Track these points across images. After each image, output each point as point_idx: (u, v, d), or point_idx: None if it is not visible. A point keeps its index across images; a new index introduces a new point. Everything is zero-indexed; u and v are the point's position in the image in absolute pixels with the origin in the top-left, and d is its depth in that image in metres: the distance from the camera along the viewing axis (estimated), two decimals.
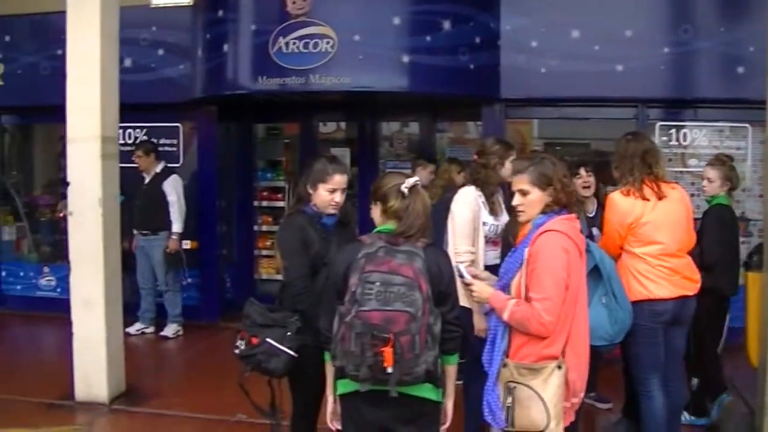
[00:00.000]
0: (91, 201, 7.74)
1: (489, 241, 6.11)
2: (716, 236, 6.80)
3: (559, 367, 4.20)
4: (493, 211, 6.14)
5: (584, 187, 7.20)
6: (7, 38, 11.88)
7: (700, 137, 10.00)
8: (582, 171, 7.21)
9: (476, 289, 4.57)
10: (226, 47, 9.99)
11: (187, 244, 10.90)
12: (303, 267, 4.90)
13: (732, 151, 9.37)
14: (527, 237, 4.41)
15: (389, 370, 3.73)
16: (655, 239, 5.68)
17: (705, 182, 7.07)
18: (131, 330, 10.46)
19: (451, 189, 6.47)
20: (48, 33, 11.23)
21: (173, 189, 10.59)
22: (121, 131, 8.94)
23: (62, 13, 8.00)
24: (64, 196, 8.61)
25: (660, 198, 5.73)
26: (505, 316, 4.29)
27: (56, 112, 8.31)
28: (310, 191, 5.05)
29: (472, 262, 5.73)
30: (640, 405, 5.88)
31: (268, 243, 12.06)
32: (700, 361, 7.06)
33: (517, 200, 4.51)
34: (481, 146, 6.43)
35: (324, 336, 4.21)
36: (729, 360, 7.43)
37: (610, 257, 5.34)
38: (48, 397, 7.99)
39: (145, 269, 10.85)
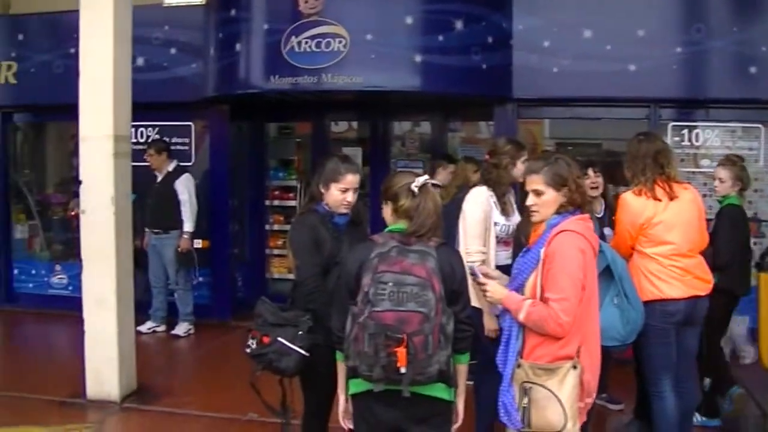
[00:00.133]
0: (103, 199, 7.76)
1: (500, 241, 6.10)
2: (729, 236, 6.81)
3: (575, 367, 4.19)
4: (505, 212, 6.13)
5: (592, 188, 7.17)
6: (21, 37, 11.90)
7: (712, 137, 9.96)
8: (590, 171, 7.18)
9: (490, 289, 4.54)
10: (238, 46, 9.99)
11: (198, 244, 10.91)
12: (315, 266, 4.91)
13: (744, 151, 9.35)
14: (542, 237, 4.40)
15: (402, 370, 3.73)
16: (667, 239, 5.66)
17: (716, 182, 7.08)
18: (142, 328, 10.48)
19: (465, 188, 6.46)
20: (61, 32, 11.27)
21: (185, 188, 10.61)
22: (133, 130, 8.98)
23: (75, 12, 8.02)
24: (77, 195, 8.63)
25: (672, 198, 5.72)
26: (521, 317, 4.28)
27: (69, 111, 8.33)
28: (322, 190, 5.05)
29: (483, 262, 5.71)
30: (651, 406, 5.86)
31: (280, 242, 12.05)
32: (712, 361, 7.05)
33: (531, 200, 4.49)
34: (492, 146, 6.42)
35: (335, 335, 4.21)
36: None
37: (622, 258, 5.33)
38: (59, 395, 8.01)
39: (157, 268, 10.87)
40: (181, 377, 9.23)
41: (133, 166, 8.42)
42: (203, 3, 10.75)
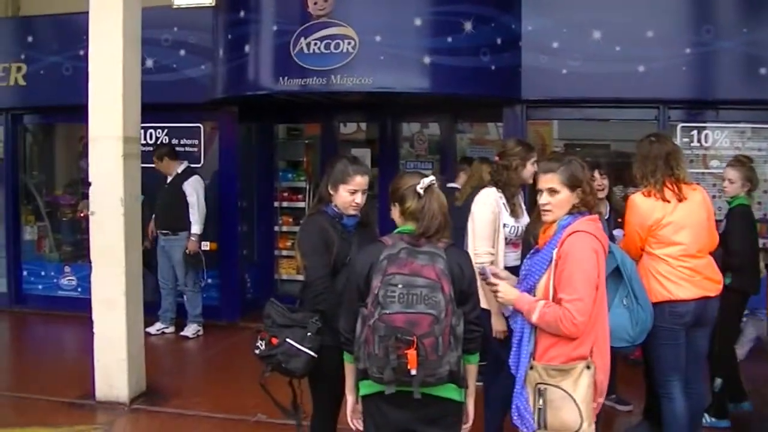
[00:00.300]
0: (112, 201, 7.77)
1: (509, 242, 6.09)
2: (743, 236, 6.84)
3: (588, 367, 4.19)
4: (514, 213, 6.12)
5: (598, 190, 7.15)
6: (30, 39, 11.92)
7: (721, 138, 9.93)
8: (596, 173, 7.16)
9: (502, 289, 4.53)
10: (247, 48, 9.99)
11: (206, 246, 10.93)
12: (324, 267, 4.90)
13: (753, 152, 9.34)
14: (553, 238, 4.39)
15: (413, 372, 3.73)
16: (676, 240, 5.66)
17: (726, 183, 7.07)
18: (151, 330, 10.50)
19: (479, 189, 6.45)
20: (70, 33, 11.29)
21: (193, 190, 10.62)
22: (142, 131, 8.98)
23: (85, 14, 8.04)
24: (86, 196, 8.67)
25: (681, 200, 5.72)
26: (534, 318, 4.27)
27: (78, 112, 8.35)
28: (331, 192, 5.05)
29: (492, 264, 5.70)
30: (661, 407, 5.85)
31: (289, 243, 12.06)
32: (724, 362, 7.05)
33: (545, 199, 4.47)
34: (502, 147, 6.42)
35: (343, 336, 4.22)
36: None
37: (632, 259, 5.32)
38: (69, 397, 8.03)
39: (166, 269, 10.88)
40: (190, 378, 9.24)
41: (143, 167, 8.45)
42: (212, 4, 10.75)
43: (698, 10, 9.70)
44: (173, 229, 10.69)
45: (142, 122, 8.38)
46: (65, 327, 11.47)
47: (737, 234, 6.82)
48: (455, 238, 4.50)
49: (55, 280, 12.60)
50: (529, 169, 6.08)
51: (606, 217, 7.22)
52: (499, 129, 11.31)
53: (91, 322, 7.91)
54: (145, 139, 10.93)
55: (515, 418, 4.35)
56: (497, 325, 5.81)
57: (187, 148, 11.63)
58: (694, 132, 9.98)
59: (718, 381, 7.04)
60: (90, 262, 7.99)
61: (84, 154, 9.11)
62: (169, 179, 10.74)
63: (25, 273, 12.77)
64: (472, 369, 4.24)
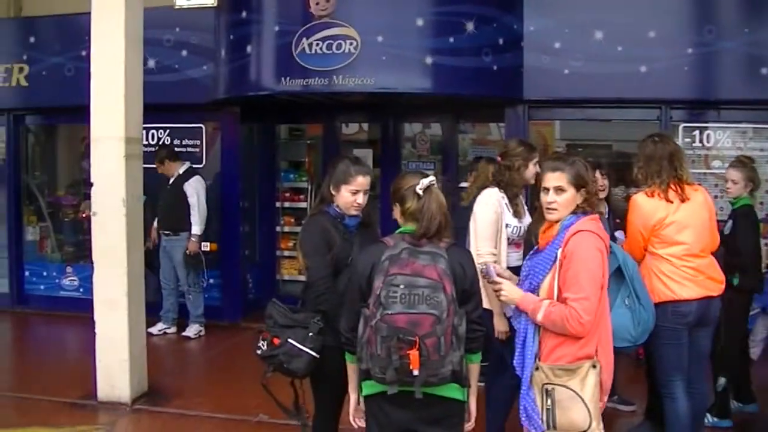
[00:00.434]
0: (114, 201, 7.78)
1: (512, 242, 6.09)
2: (751, 236, 6.88)
3: (594, 366, 4.21)
4: (517, 213, 6.12)
5: (599, 190, 7.15)
6: (32, 39, 11.93)
7: (723, 139, 9.92)
8: (597, 174, 7.15)
9: (506, 288, 4.54)
10: (249, 48, 9.99)
11: (206, 246, 10.93)
12: (325, 268, 4.90)
13: (755, 152, 9.33)
14: (557, 238, 4.39)
15: (415, 372, 3.73)
16: (679, 240, 5.67)
17: (729, 184, 7.07)
18: (153, 330, 10.51)
19: (483, 190, 6.43)
20: (72, 34, 11.29)
21: (194, 190, 10.63)
22: (144, 132, 8.99)
23: (87, 14, 8.05)
24: (88, 197, 8.66)
25: (683, 200, 5.72)
26: (540, 317, 4.27)
27: (80, 113, 8.38)
28: (333, 192, 5.05)
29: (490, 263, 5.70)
30: (663, 407, 5.85)
31: (291, 244, 12.04)
32: (731, 361, 7.06)
33: (551, 197, 4.46)
34: (504, 148, 6.43)
35: (344, 336, 4.23)
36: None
37: (634, 259, 5.32)
38: (70, 397, 8.04)
39: (168, 269, 10.89)
40: (191, 379, 9.25)
41: (145, 167, 8.45)
42: (214, 5, 10.77)
43: (700, 11, 9.69)
44: (175, 229, 10.70)
45: (144, 123, 8.38)
46: (67, 327, 11.47)
47: (745, 234, 6.85)
48: (460, 237, 4.50)
49: (57, 281, 12.61)
50: (531, 169, 6.09)
51: (606, 217, 7.23)
52: (501, 129, 11.28)
53: (93, 322, 7.92)
54: (147, 139, 10.98)
55: (523, 419, 4.36)
56: (499, 326, 5.81)
57: (189, 149, 11.65)
58: (696, 132, 9.98)
59: (722, 380, 7.04)
60: (92, 262, 7.99)
61: (86, 154, 9.12)
62: (171, 180, 10.76)
63: (27, 273, 12.78)
64: (474, 368, 4.23)
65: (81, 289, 12.17)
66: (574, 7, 9.81)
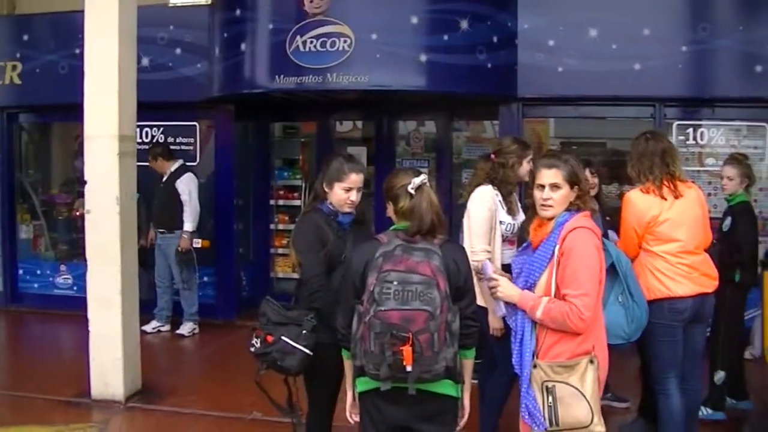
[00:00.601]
0: (108, 199, 7.77)
1: (505, 240, 6.10)
2: (750, 232, 6.96)
3: (592, 362, 4.23)
4: (511, 211, 6.14)
5: (589, 188, 7.17)
6: (26, 37, 11.89)
7: (717, 136, 9.94)
8: (587, 172, 7.16)
9: (503, 285, 4.54)
10: (243, 46, 9.98)
11: (198, 243, 10.91)
12: (319, 265, 4.90)
13: (749, 150, 9.34)
14: (552, 235, 4.41)
15: (409, 368, 3.74)
16: (675, 237, 5.69)
17: (725, 181, 7.10)
18: (147, 328, 10.51)
19: None
20: (66, 32, 11.27)
21: (186, 187, 10.63)
22: (138, 130, 8.96)
23: (80, 12, 8.04)
24: (82, 195, 8.66)
25: (677, 197, 5.74)
26: (539, 314, 4.28)
27: (74, 111, 8.36)
28: (326, 190, 5.06)
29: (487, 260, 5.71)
30: (657, 404, 5.86)
31: (285, 241, 12.01)
32: (730, 355, 7.09)
33: (547, 194, 4.46)
34: (498, 145, 6.43)
35: (340, 333, 4.23)
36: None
37: (628, 257, 5.32)
38: (64, 395, 8.03)
39: (163, 267, 10.89)
40: (185, 377, 9.23)
41: (139, 165, 8.44)
42: (208, 3, 10.77)
43: (694, 8, 9.71)
44: (169, 227, 10.69)
45: (138, 121, 8.36)
46: (61, 326, 11.45)
47: (745, 230, 6.91)
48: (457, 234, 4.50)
49: (50, 279, 12.59)
50: (525, 166, 6.09)
51: (597, 215, 7.25)
52: (496, 127, 11.31)
53: (87, 320, 7.90)
54: (140, 137, 10.94)
55: (526, 417, 4.36)
56: (494, 323, 5.81)
57: (183, 147, 11.63)
58: (690, 130, 9.99)
59: (721, 373, 7.07)
60: (85, 260, 7.98)
61: (80, 152, 9.10)
62: (165, 178, 10.75)
63: (20, 272, 12.75)
64: (468, 364, 4.25)
65: (75, 288, 12.14)
66: (568, 4, 9.82)
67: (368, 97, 10.74)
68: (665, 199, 5.71)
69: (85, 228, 8.05)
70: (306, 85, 9.55)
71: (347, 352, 4.24)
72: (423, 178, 4.23)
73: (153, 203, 10.84)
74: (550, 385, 4.22)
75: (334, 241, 4.95)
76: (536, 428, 4.31)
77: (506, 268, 5.25)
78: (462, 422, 4.32)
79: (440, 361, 3.82)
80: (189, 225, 10.60)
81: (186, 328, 10.83)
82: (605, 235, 6.09)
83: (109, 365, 7.83)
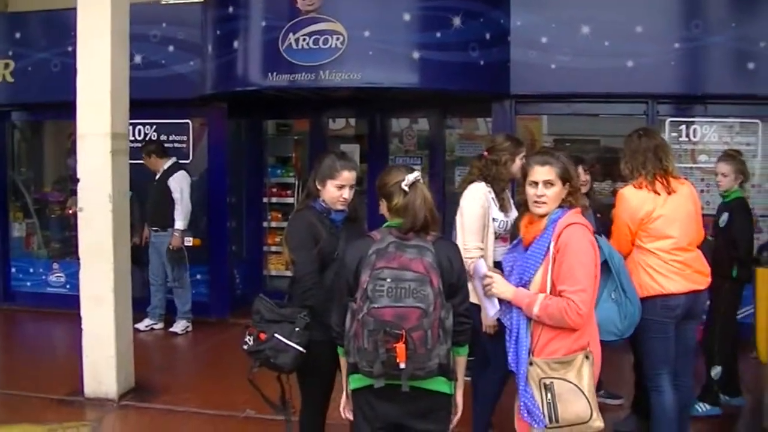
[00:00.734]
0: (101, 197, 7.75)
1: (498, 237, 6.10)
2: (748, 228, 7.04)
3: (587, 357, 4.25)
4: (503, 208, 6.15)
5: (581, 185, 7.17)
6: (18, 35, 11.87)
7: (710, 133, 9.96)
8: (579, 169, 7.16)
9: (498, 282, 4.55)
10: (236, 44, 9.98)
11: (189, 242, 10.90)
12: (312, 262, 4.90)
13: (742, 146, 9.32)
14: (545, 231, 4.42)
15: (402, 365, 3.73)
16: (668, 233, 5.69)
17: (719, 177, 7.13)
18: (140, 326, 10.49)
19: None
20: (58, 30, 11.24)
21: (178, 186, 10.61)
22: (131, 127, 8.96)
23: (73, 10, 8.02)
24: (74, 193, 8.65)
25: (669, 193, 5.74)
26: (536, 311, 4.29)
27: (66, 109, 8.34)
28: (319, 187, 5.05)
29: (481, 258, 5.71)
30: (650, 400, 5.87)
31: (278, 239, 12.01)
32: (725, 351, 7.11)
33: (541, 191, 4.47)
34: (491, 142, 6.42)
35: (335, 331, 4.22)
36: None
37: (620, 254, 5.33)
38: (57, 393, 8.01)
39: (157, 265, 10.88)
40: (179, 375, 9.23)
41: (132, 163, 8.42)
42: (201, 0, 10.74)
43: (687, 5, 9.74)
44: (162, 225, 10.67)
45: (131, 118, 8.34)
46: (54, 324, 11.43)
47: (742, 227, 6.96)
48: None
49: (43, 277, 12.58)
50: (518, 164, 6.08)
51: (589, 212, 7.25)
52: (488, 124, 11.30)
53: (80, 318, 7.88)
54: (133, 135, 10.93)
55: (525, 415, 4.35)
56: (487, 320, 5.80)
57: (176, 144, 11.63)
58: (683, 127, 10.01)
59: (718, 368, 7.10)
60: (78, 258, 7.96)
61: (72, 150, 9.09)
62: (158, 176, 10.73)
63: (13, 270, 12.74)
64: (461, 361, 4.25)
65: (68, 286, 12.14)
66: (561, 2, 9.83)
67: (361, 95, 10.74)
68: (658, 194, 5.71)
69: (77, 226, 8.03)
70: (299, 83, 9.56)
71: (343, 350, 4.23)
72: (417, 175, 4.22)
73: (146, 201, 10.82)
74: (548, 381, 4.23)
75: (327, 239, 4.94)
76: (536, 426, 4.31)
77: (499, 265, 5.24)
78: (455, 419, 4.31)
79: (433, 358, 3.81)
80: (180, 223, 10.58)
81: (179, 326, 10.81)
82: (597, 233, 6.10)
83: (103, 363, 7.82)
